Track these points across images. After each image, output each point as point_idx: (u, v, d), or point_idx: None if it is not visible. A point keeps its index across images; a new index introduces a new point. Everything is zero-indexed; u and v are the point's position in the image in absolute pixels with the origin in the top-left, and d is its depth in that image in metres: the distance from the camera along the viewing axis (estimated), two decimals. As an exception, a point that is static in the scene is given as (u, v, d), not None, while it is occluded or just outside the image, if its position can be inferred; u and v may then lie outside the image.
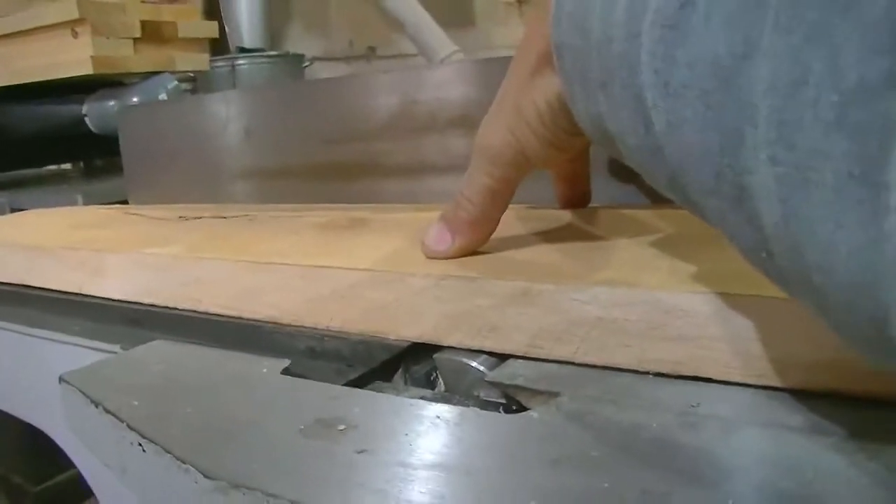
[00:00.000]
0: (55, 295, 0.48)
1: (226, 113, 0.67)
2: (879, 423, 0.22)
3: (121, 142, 0.76)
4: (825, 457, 0.21)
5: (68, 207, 0.70)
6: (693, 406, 0.25)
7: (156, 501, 0.28)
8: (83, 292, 0.46)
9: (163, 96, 1.64)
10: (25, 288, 0.50)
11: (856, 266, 0.14)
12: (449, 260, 0.33)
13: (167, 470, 0.25)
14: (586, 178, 0.43)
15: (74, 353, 0.47)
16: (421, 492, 0.21)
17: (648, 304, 0.26)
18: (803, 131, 0.15)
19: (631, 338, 0.27)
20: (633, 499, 0.20)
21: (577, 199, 0.43)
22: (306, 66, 2.25)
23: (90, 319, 0.46)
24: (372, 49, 2.51)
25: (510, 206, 0.40)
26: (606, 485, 0.21)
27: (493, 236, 0.35)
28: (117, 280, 0.44)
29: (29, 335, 0.46)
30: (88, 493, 0.51)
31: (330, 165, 0.63)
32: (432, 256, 0.34)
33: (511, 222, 0.41)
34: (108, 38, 1.30)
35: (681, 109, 0.19)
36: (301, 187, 0.66)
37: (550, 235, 0.37)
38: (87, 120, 1.46)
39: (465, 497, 0.20)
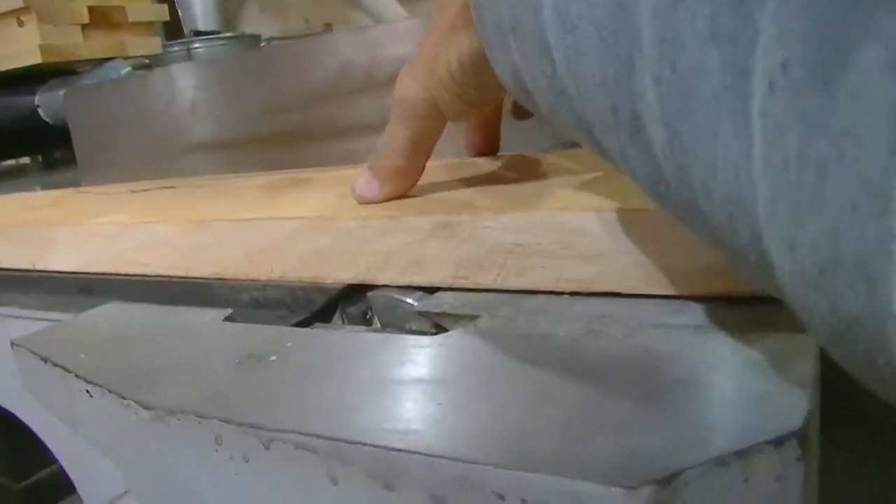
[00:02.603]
0: (10, 273, 0.49)
1: (171, 88, 0.67)
2: (761, 317, 0.24)
3: (70, 126, 0.76)
4: (709, 347, 0.23)
5: (20, 193, 0.71)
6: (602, 318, 0.26)
7: (108, 445, 0.29)
8: (36, 268, 0.47)
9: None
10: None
11: (731, 179, 0.15)
12: (377, 204, 0.35)
13: (113, 410, 0.27)
14: (498, 128, 0.45)
15: (32, 326, 0.48)
16: (331, 406, 0.23)
17: (556, 227, 0.28)
18: (683, 48, 0.16)
19: (545, 259, 0.28)
20: (526, 398, 0.22)
21: (487, 147, 0.45)
22: (263, 47, 2.24)
23: (45, 292, 0.47)
24: (329, 26, 2.49)
25: (440, 158, 0.41)
26: (504, 388, 0.22)
27: (420, 182, 0.37)
28: (67, 252, 0.45)
29: (-15, 313, 0.47)
30: (72, 488, 0.52)
31: (279, 133, 0.64)
32: (363, 202, 0.36)
33: (437, 170, 0.42)
34: (55, 25, 1.28)
35: (578, 44, 0.19)
36: (253, 156, 0.66)
37: (471, 179, 0.38)
38: (40, 111, 1.45)
39: (373, 408, 0.22)
